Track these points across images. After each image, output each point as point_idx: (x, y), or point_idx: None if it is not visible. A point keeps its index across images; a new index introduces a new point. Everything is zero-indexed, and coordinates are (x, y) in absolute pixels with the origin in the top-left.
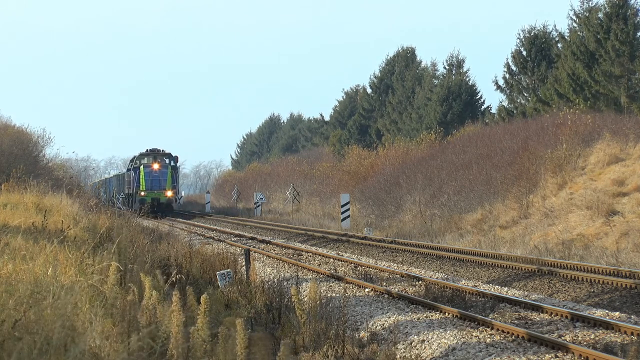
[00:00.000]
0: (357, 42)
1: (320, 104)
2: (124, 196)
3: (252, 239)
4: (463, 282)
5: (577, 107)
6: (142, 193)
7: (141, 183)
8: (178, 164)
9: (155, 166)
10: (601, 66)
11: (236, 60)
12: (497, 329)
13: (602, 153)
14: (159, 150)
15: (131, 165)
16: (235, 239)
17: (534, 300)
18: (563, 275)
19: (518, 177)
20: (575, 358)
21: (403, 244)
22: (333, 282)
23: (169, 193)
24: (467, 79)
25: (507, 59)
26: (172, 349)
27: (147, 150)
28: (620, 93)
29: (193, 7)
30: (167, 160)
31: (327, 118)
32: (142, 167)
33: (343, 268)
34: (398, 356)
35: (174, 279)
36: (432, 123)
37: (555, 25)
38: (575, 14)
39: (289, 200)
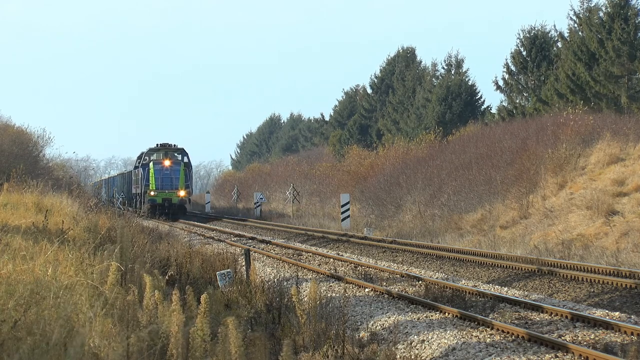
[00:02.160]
0: (357, 42)
1: (320, 104)
2: (124, 196)
3: (252, 239)
4: (463, 282)
5: (577, 107)
6: (152, 193)
7: (151, 182)
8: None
9: (167, 163)
10: (601, 66)
11: (236, 60)
12: (497, 329)
13: (602, 153)
14: (170, 145)
15: (139, 162)
16: (235, 239)
17: (534, 300)
18: (563, 275)
19: (518, 177)
20: (575, 358)
21: (403, 244)
22: (333, 282)
23: (182, 193)
24: (467, 79)
25: (506, 59)
26: (171, 349)
27: (157, 145)
28: (620, 93)
29: (192, 6)
30: (179, 156)
31: (327, 118)
32: (151, 163)
33: (343, 268)
34: (398, 356)
35: (169, 276)
36: (431, 123)
37: (555, 25)
38: (575, 14)
39: (289, 200)
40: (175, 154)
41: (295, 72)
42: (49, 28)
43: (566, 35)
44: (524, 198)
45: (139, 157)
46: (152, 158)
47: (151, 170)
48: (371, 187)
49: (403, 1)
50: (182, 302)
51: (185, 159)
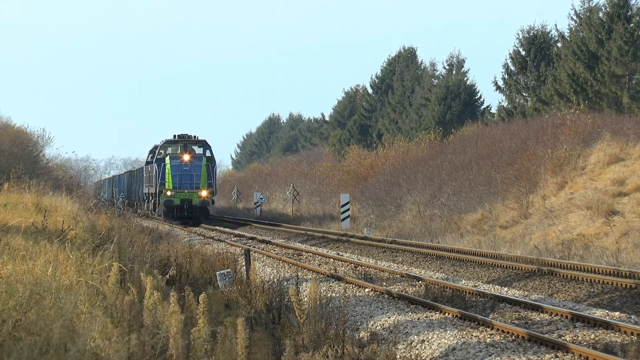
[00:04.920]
0: (357, 42)
1: (320, 104)
2: (124, 196)
3: (252, 239)
4: (463, 282)
5: (577, 107)
6: (169, 193)
7: (167, 180)
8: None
9: (186, 157)
10: (603, 66)
11: (236, 61)
12: (497, 329)
13: (602, 153)
14: (189, 137)
15: (152, 157)
16: (235, 239)
17: (534, 300)
18: (563, 275)
19: (518, 177)
20: (575, 358)
21: (403, 244)
22: (333, 282)
23: (204, 193)
24: (467, 79)
25: (505, 59)
26: (171, 349)
27: (174, 136)
28: (622, 93)
29: (192, 6)
30: (200, 150)
31: (327, 118)
32: (168, 158)
33: (343, 268)
34: (398, 356)
35: (169, 276)
36: (430, 123)
37: (556, 25)
38: (576, 13)
39: (289, 200)
40: (196, 147)
41: (295, 72)
42: (49, 28)
43: (567, 35)
44: (524, 198)
45: (152, 152)
46: (168, 152)
47: (167, 166)
48: (371, 187)
49: (403, 1)
50: (182, 302)
51: (208, 153)
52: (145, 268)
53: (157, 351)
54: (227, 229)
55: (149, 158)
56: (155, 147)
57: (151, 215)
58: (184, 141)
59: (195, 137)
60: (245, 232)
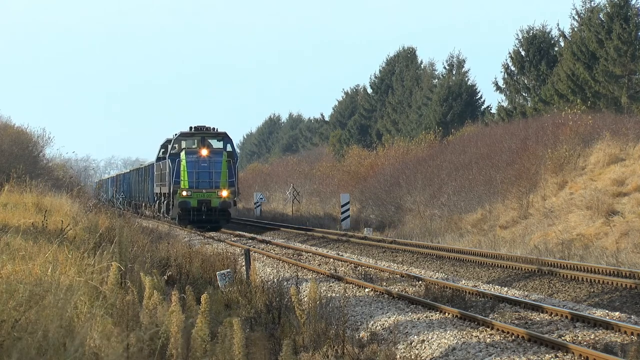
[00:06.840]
0: (357, 42)
1: (320, 104)
2: (124, 196)
3: (252, 239)
4: (463, 282)
5: (577, 107)
6: (185, 193)
7: (182, 178)
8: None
9: (204, 152)
10: (602, 66)
11: (236, 60)
12: (497, 329)
13: (602, 153)
14: (208, 129)
15: (164, 152)
16: (235, 239)
17: (534, 300)
18: (563, 275)
19: (518, 177)
20: (575, 358)
21: (403, 244)
22: (333, 282)
23: (225, 193)
24: (467, 79)
25: (505, 59)
26: (171, 349)
27: (190, 128)
28: (620, 93)
29: (192, 6)
30: (220, 144)
31: (327, 118)
32: (183, 153)
33: (343, 268)
34: (398, 356)
35: (168, 276)
36: (431, 123)
37: (558, 25)
38: (577, 13)
39: (289, 200)
40: (215, 141)
41: (295, 72)
42: (50, 28)
43: (568, 35)
44: (524, 198)
45: (164, 146)
46: (183, 146)
47: (183, 163)
48: (371, 187)
49: (403, 1)
50: (181, 302)
51: (229, 147)
52: (145, 268)
53: (156, 351)
54: (226, 229)
55: (161, 153)
56: (168, 140)
57: (163, 218)
58: (202, 134)
59: (214, 129)
60: (245, 232)
